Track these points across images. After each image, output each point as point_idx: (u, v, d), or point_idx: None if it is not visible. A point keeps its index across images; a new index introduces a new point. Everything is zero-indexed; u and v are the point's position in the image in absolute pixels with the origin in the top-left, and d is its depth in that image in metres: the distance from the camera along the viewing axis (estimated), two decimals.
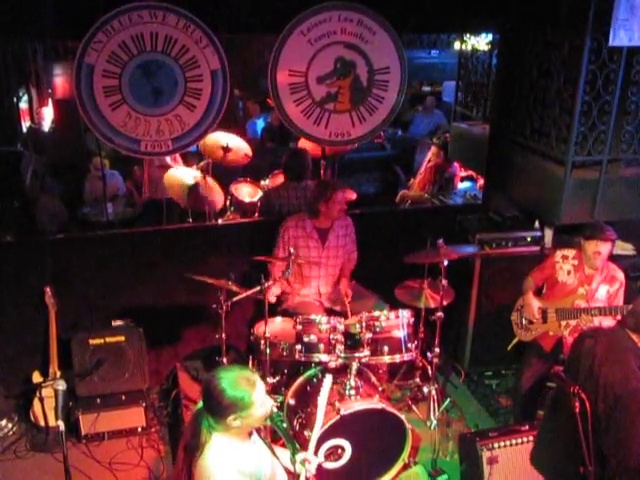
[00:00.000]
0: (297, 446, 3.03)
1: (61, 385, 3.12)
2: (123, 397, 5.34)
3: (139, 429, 5.33)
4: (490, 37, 6.50)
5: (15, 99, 7.58)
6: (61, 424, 3.02)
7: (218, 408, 2.95)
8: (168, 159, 7.48)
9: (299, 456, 2.97)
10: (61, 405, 3.10)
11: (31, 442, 5.26)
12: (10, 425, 5.39)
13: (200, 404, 3.08)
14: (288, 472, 3.40)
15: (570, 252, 5.01)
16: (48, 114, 9.31)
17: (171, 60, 5.11)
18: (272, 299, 5.21)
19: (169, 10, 4.96)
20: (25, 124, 8.31)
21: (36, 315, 5.36)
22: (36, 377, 5.31)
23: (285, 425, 3.16)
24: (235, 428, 2.99)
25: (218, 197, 6.66)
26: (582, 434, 3.16)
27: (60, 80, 9.35)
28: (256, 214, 6.84)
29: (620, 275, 4.93)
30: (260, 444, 3.28)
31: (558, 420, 3.72)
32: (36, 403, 5.22)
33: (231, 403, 2.92)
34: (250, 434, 3.18)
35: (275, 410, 3.13)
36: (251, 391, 2.96)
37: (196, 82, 5.23)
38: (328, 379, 3.72)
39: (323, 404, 3.61)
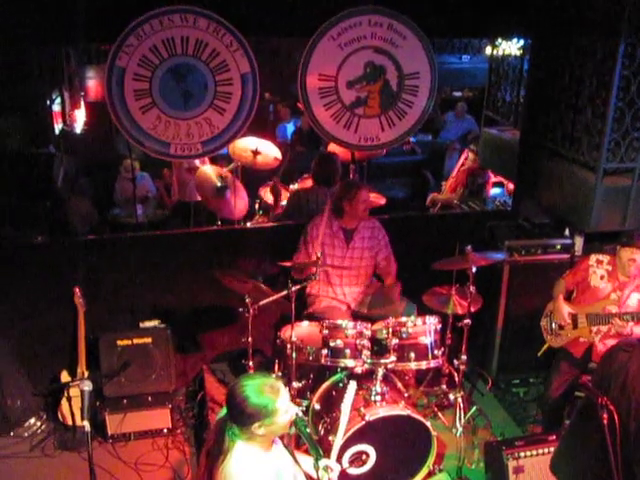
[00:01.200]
0: (321, 452, 3.02)
1: (87, 386, 3.14)
2: (149, 398, 5.37)
3: (165, 430, 5.35)
4: (522, 42, 6.45)
5: (48, 102, 7.68)
6: (86, 424, 3.04)
7: (242, 416, 2.95)
8: (197, 161, 7.51)
9: (322, 462, 2.96)
10: (86, 406, 3.12)
11: (59, 441, 5.30)
12: (39, 423, 5.44)
13: (224, 411, 3.08)
14: (310, 479, 3.39)
15: (605, 257, 4.93)
16: (80, 116, 9.42)
17: (201, 64, 5.14)
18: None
19: (200, 14, 5.00)
20: (58, 126, 8.41)
21: (65, 315, 5.41)
22: (64, 376, 5.35)
23: (309, 430, 3.14)
24: (259, 436, 2.99)
25: (243, 203, 6.64)
26: (610, 447, 3.10)
27: (92, 83, 9.47)
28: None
29: None
30: (282, 451, 3.28)
31: (585, 430, 3.65)
32: (64, 402, 5.25)
33: (255, 411, 2.92)
34: (272, 442, 3.17)
35: (300, 415, 3.13)
36: (275, 399, 2.97)
37: (226, 86, 5.25)
38: (352, 386, 3.71)
39: (347, 411, 3.60)
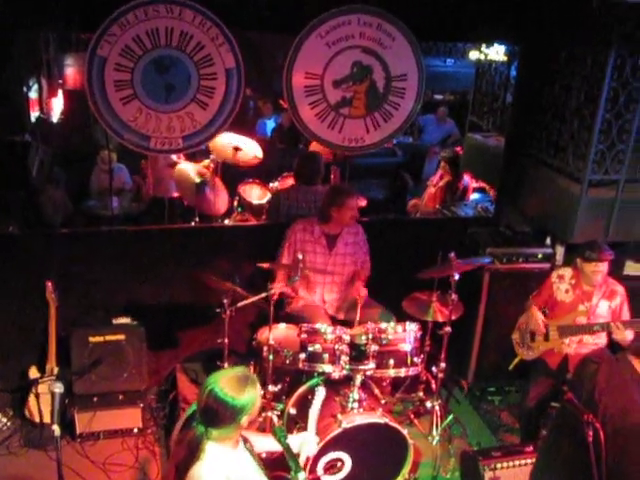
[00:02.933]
0: (300, 465, 2.95)
1: (58, 388, 3.02)
2: (120, 397, 5.28)
3: (135, 430, 5.26)
4: (506, 48, 6.42)
5: (25, 89, 7.50)
6: (56, 429, 2.93)
7: (228, 415, 2.95)
8: (174, 156, 7.40)
9: (301, 475, 2.88)
10: (57, 408, 3.01)
11: (25, 438, 5.18)
12: (4, 420, 5.33)
13: (190, 412, 3.04)
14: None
15: (566, 271, 4.99)
16: (57, 105, 9.23)
17: (185, 56, 5.03)
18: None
19: (186, 5, 4.88)
20: (34, 114, 8.22)
21: (36, 310, 5.27)
22: (33, 372, 5.23)
23: (288, 441, 3.07)
24: (237, 431, 3.05)
25: (223, 199, 6.56)
26: (595, 464, 3.06)
27: (71, 71, 9.25)
28: (264, 216, 6.77)
29: (620, 289, 4.90)
30: (247, 455, 3.25)
31: (563, 445, 3.63)
32: (32, 399, 5.15)
33: (245, 404, 2.96)
34: (238, 442, 3.18)
35: (279, 425, 3.09)
36: (256, 387, 3.04)
37: (210, 80, 5.15)
38: (321, 391, 3.71)
39: (314, 416, 3.59)
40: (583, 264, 4.72)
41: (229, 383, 2.97)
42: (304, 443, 3.53)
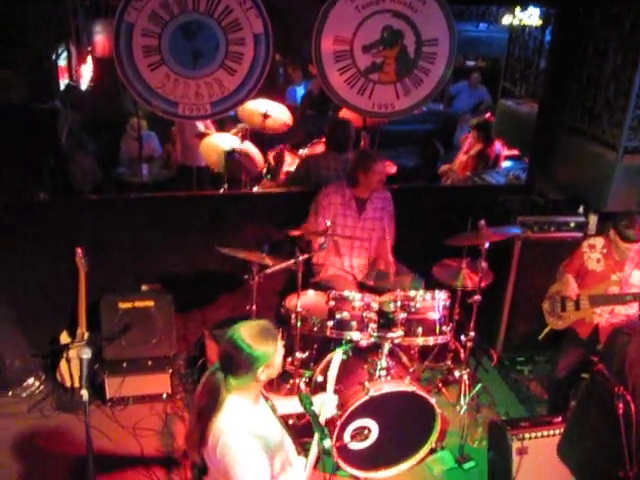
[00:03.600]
0: (326, 432, 2.94)
1: (86, 354, 3.05)
2: (149, 362, 5.33)
3: (164, 395, 5.32)
4: (541, 11, 6.27)
5: (54, 56, 7.50)
6: (85, 393, 2.96)
7: (246, 363, 2.97)
8: (201, 126, 7.37)
9: (327, 442, 2.87)
10: (85, 374, 3.03)
11: (57, 402, 5.28)
12: (37, 384, 5.42)
13: (215, 368, 3.07)
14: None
15: (598, 241, 4.88)
16: (87, 72, 9.23)
17: (213, 21, 4.96)
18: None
19: None
20: (63, 81, 8.23)
21: (66, 276, 5.32)
22: (64, 337, 5.31)
23: (314, 409, 3.07)
24: (257, 383, 3.07)
25: (257, 161, 6.53)
26: (624, 437, 3.01)
27: (100, 38, 9.22)
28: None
29: None
30: (268, 411, 3.30)
31: (591, 415, 3.59)
32: (63, 364, 5.24)
33: (262, 355, 2.98)
34: (259, 397, 3.23)
35: (307, 392, 3.10)
36: (276, 340, 3.07)
37: (238, 45, 5.08)
38: (338, 354, 3.76)
39: (332, 378, 3.65)
40: (618, 240, 4.62)
41: (250, 332, 3.01)
42: (323, 404, 3.53)
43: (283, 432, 3.30)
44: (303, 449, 3.47)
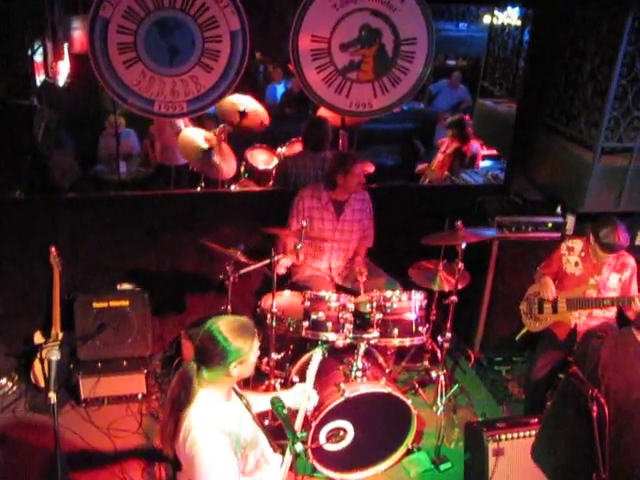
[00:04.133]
0: (297, 436, 2.91)
1: (55, 355, 2.99)
2: (125, 363, 5.29)
3: (139, 396, 5.27)
4: (521, 11, 6.26)
5: (30, 51, 7.40)
6: (53, 396, 2.90)
7: (219, 357, 2.98)
8: (181, 124, 7.32)
9: (299, 446, 2.85)
10: (53, 377, 2.97)
11: (30, 403, 5.20)
12: (10, 384, 5.35)
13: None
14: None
15: (576, 243, 4.91)
16: (64, 68, 9.12)
17: (189, 18, 4.90)
18: (282, 271, 5.07)
19: None
20: (39, 78, 8.13)
21: (41, 274, 5.26)
22: (38, 337, 5.24)
23: (286, 412, 3.04)
24: (228, 379, 3.06)
25: (231, 165, 6.49)
26: (598, 440, 3.01)
27: (78, 34, 9.11)
28: (270, 182, 6.71)
29: (631, 261, 4.83)
30: (242, 407, 3.29)
31: (565, 418, 3.59)
32: (37, 364, 5.17)
33: (236, 349, 2.98)
34: (231, 394, 3.22)
35: (277, 396, 3.13)
36: (253, 336, 3.07)
37: (214, 43, 5.03)
38: (318, 354, 3.75)
39: (311, 378, 3.62)
40: (597, 249, 4.63)
41: (228, 325, 3.02)
42: (303, 400, 3.54)
43: (257, 429, 3.29)
44: (279, 447, 3.45)
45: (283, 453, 3.35)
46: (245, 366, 3.06)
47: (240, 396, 3.34)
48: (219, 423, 2.98)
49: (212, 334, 3.00)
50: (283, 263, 5.07)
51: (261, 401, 3.58)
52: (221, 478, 2.89)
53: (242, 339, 3.01)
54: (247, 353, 3.03)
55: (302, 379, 4.54)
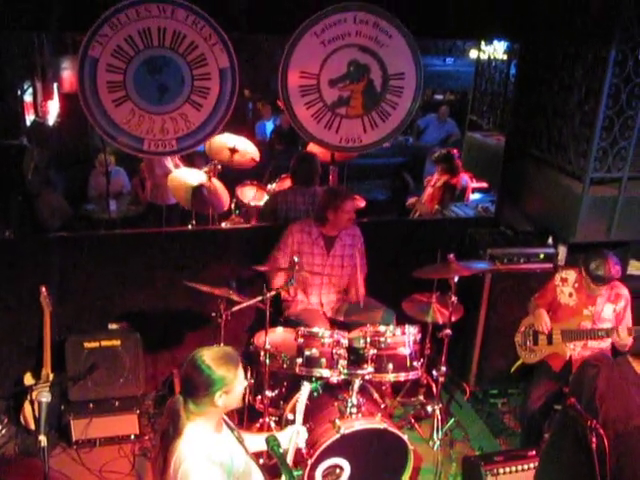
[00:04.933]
0: (294, 474, 2.87)
1: (45, 397, 2.94)
2: (117, 403, 5.21)
3: (132, 436, 5.18)
4: (507, 46, 6.33)
5: (19, 92, 7.45)
6: (43, 439, 2.85)
7: (205, 386, 2.99)
8: (171, 165, 7.33)
9: None
10: (44, 418, 2.92)
11: (21, 445, 5.10)
12: None
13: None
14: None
15: (570, 274, 4.91)
16: (53, 108, 9.18)
17: (179, 57, 4.94)
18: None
19: (178, 5, 4.79)
20: (29, 117, 8.18)
21: (31, 315, 5.20)
22: (28, 379, 5.16)
23: (282, 450, 3.00)
24: (216, 409, 3.05)
25: (224, 198, 6.50)
26: (598, 472, 2.97)
27: (67, 74, 9.20)
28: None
29: (624, 292, 4.83)
30: (233, 440, 3.27)
31: (564, 450, 3.56)
32: (27, 406, 5.08)
33: (219, 378, 2.99)
34: (222, 424, 3.23)
35: (273, 434, 3.09)
36: (236, 365, 3.08)
37: (204, 80, 5.06)
38: (306, 387, 3.76)
39: (300, 411, 3.66)
40: (589, 281, 4.63)
41: (211, 355, 3.04)
42: (293, 435, 3.57)
43: (250, 462, 3.28)
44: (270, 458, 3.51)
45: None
46: (231, 396, 3.07)
47: (232, 429, 3.33)
48: (209, 454, 2.97)
49: (196, 363, 3.02)
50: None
51: (256, 441, 3.56)
52: None
53: (225, 367, 3.02)
54: (232, 381, 3.03)
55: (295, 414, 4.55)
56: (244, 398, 4.76)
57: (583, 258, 4.68)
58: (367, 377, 4.54)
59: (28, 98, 8.11)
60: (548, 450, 3.90)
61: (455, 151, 7.58)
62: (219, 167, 6.56)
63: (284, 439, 3.54)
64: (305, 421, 4.38)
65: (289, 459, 3.45)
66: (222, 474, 2.97)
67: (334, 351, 4.50)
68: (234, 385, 3.05)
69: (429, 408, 5.33)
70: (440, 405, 5.23)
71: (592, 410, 3.34)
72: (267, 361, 4.61)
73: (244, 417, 4.79)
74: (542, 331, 4.88)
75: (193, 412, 3.03)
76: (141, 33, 4.81)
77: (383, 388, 5.14)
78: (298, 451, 4.25)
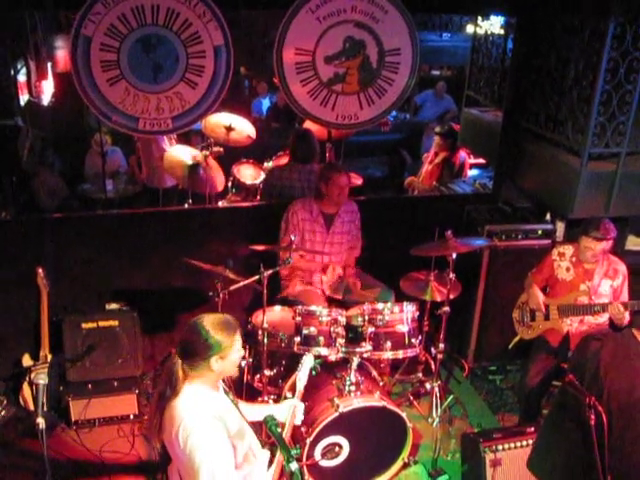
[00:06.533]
0: (292, 454, 2.87)
1: (42, 379, 2.94)
2: (115, 383, 5.20)
3: (131, 416, 5.18)
4: (504, 20, 6.26)
5: (13, 71, 7.37)
6: (41, 421, 2.85)
7: (202, 349, 3.08)
8: (166, 144, 7.28)
9: (293, 465, 2.80)
10: (41, 400, 2.92)
11: (20, 426, 5.07)
12: None
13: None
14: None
15: (567, 249, 4.90)
16: (48, 88, 9.09)
17: (172, 35, 4.89)
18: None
19: None
20: (23, 97, 8.10)
21: (28, 296, 5.18)
22: (26, 360, 5.14)
23: (280, 430, 3.00)
24: (213, 372, 3.13)
25: (219, 178, 6.47)
26: (597, 448, 2.97)
27: (61, 53, 9.09)
28: (258, 196, 6.68)
29: (622, 268, 4.82)
30: (228, 401, 3.35)
31: (562, 427, 3.56)
32: (26, 387, 5.06)
33: (216, 343, 3.07)
34: (217, 388, 3.30)
35: (271, 415, 3.12)
36: (234, 332, 3.16)
37: (198, 58, 5.02)
38: (309, 358, 3.81)
39: (302, 381, 3.73)
40: (581, 237, 4.63)
41: (210, 320, 3.13)
42: (289, 409, 3.61)
43: (244, 423, 3.34)
44: (267, 443, 3.52)
45: (271, 450, 3.44)
46: (227, 362, 3.14)
47: (226, 392, 3.39)
48: (208, 409, 3.06)
49: (196, 327, 3.10)
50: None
51: (253, 412, 3.61)
52: (219, 459, 2.94)
53: (223, 332, 3.10)
54: (227, 348, 3.11)
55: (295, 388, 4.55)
56: (243, 375, 4.84)
57: (581, 228, 4.69)
58: (365, 355, 4.54)
59: (22, 78, 8.03)
60: (545, 427, 3.90)
61: (457, 127, 7.54)
62: (220, 149, 6.53)
63: (281, 413, 3.59)
64: (304, 399, 4.41)
65: (285, 433, 3.47)
66: (222, 428, 3.04)
67: (332, 329, 4.50)
68: (230, 351, 3.13)
69: (428, 385, 5.33)
70: (439, 382, 5.23)
71: (597, 382, 3.37)
72: (265, 340, 4.61)
73: (243, 395, 4.79)
74: (536, 309, 4.88)
75: (189, 374, 3.11)
76: (134, 11, 4.76)
77: (382, 366, 5.15)
78: (296, 429, 4.27)
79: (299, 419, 3.65)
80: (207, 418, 3.01)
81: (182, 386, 3.09)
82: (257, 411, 3.62)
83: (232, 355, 3.15)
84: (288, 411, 3.61)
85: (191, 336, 3.11)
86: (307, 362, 3.81)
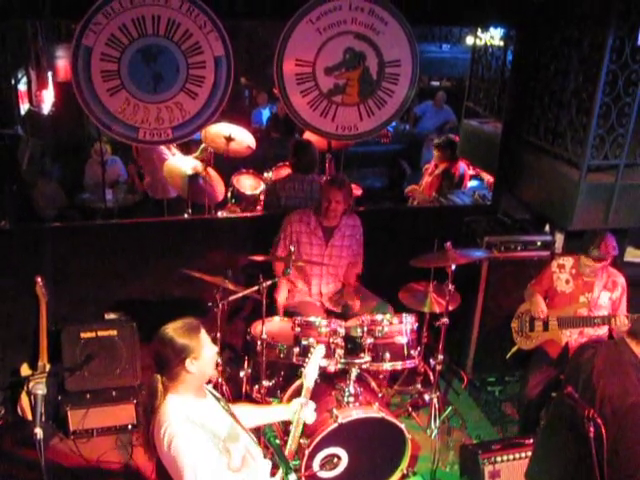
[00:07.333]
0: (290, 466, 2.87)
1: (40, 389, 2.93)
2: (114, 393, 5.18)
3: (129, 426, 5.16)
4: (503, 32, 6.28)
5: (13, 81, 7.39)
6: (39, 432, 2.84)
7: (173, 355, 3.13)
8: (167, 154, 7.28)
9: (292, 476, 2.80)
10: (39, 410, 2.91)
11: (17, 436, 5.06)
12: None
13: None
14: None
15: (567, 260, 4.91)
16: (48, 97, 9.12)
17: (173, 45, 4.91)
18: (281, 299, 5.08)
19: None
20: (24, 107, 8.12)
21: (27, 305, 5.18)
22: (24, 370, 5.14)
23: (278, 442, 3.00)
24: (192, 374, 3.17)
25: (219, 188, 6.48)
26: (596, 460, 2.97)
27: (62, 62, 9.12)
28: (258, 207, 6.69)
29: (621, 280, 4.83)
30: (217, 406, 3.39)
31: (559, 437, 3.57)
32: (24, 396, 5.06)
33: (183, 345, 3.14)
34: (204, 394, 3.35)
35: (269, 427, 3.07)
36: (197, 332, 3.23)
37: (199, 69, 5.03)
38: (320, 348, 3.77)
39: (313, 374, 3.67)
40: (586, 260, 4.63)
41: (171, 328, 3.21)
42: (298, 408, 3.61)
43: (237, 426, 3.37)
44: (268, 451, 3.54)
45: (274, 462, 3.44)
46: (202, 361, 3.19)
47: (218, 399, 3.45)
48: (188, 415, 3.11)
49: (161, 339, 3.18)
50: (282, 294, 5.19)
51: (260, 414, 3.67)
52: (202, 462, 2.99)
53: (186, 335, 3.17)
54: (196, 347, 3.17)
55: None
56: (241, 387, 4.83)
57: (581, 240, 4.69)
58: (364, 366, 4.55)
59: (23, 87, 8.05)
60: (543, 438, 3.91)
61: (457, 138, 7.55)
62: (211, 150, 6.54)
63: (290, 412, 3.62)
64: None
65: (293, 434, 3.50)
66: (205, 434, 3.09)
67: (331, 340, 4.50)
68: (201, 350, 3.18)
69: (426, 396, 5.34)
70: (437, 393, 5.22)
71: (590, 388, 3.38)
72: (264, 351, 4.60)
73: None
74: (538, 317, 4.88)
75: (170, 386, 3.17)
76: (135, 21, 4.78)
77: (380, 377, 5.13)
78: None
79: (310, 419, 3.66)
80: (187, 425, 3.06)
81: (163, 400, 3.14)
82: (264, 413, 3.67)
83: (205, 353, 3.21)
84: (296, 410, 3.61)
85: (159, 348, 3.18)
86: (318, 353, 3.76)
